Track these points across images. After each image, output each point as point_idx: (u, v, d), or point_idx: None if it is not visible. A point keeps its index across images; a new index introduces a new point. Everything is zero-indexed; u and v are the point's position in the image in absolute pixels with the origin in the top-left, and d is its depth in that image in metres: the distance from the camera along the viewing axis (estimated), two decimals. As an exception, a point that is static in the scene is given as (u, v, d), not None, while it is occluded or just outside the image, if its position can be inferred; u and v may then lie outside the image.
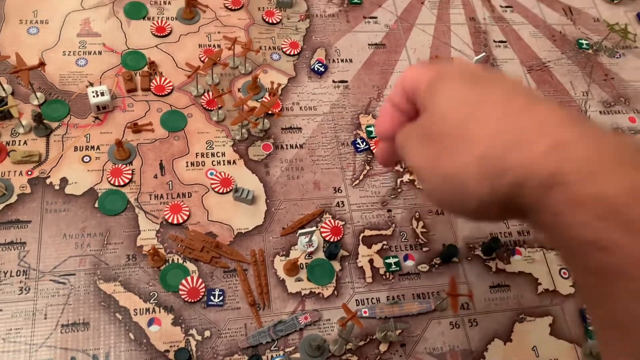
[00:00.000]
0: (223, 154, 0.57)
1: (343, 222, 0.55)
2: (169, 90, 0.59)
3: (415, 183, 0.58)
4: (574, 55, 0.72)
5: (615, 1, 0.78)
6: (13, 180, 0.51)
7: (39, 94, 0.55)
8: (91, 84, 0.57)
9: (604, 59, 0.72)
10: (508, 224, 0.58)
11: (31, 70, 0.52)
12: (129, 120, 0.56)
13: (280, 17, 0.66)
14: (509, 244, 0.57)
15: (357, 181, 0.58)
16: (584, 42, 0.73)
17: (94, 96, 0.55)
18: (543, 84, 0.68)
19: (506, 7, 0.74)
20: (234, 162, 0.56)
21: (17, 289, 0.47)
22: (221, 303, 0.49)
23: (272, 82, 0.60)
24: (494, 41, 0.71)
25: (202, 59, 0.61)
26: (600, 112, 0.68)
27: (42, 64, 0.52)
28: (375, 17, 0.69)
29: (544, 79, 0.69)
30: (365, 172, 0.58)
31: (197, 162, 0.56)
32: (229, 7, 0.65)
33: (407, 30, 0.69)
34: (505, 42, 0.71)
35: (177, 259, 0.51)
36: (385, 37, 0.68)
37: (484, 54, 0.65)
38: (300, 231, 0.51)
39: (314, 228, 0.53)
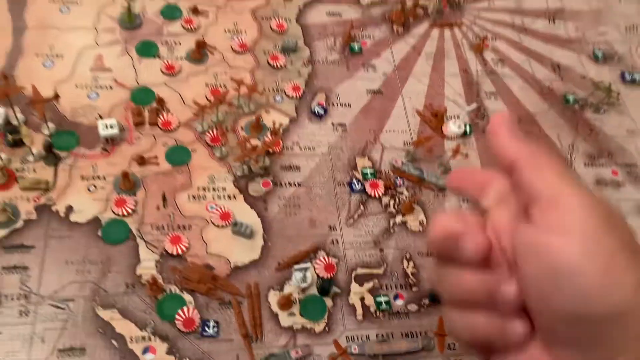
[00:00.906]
0: (224, 189, 0.59)
1: (336, 260, 0.57)
2: (176, 126, 0.61)
3: (407, 225, 0.61)
4: (561, 110, 0.76)
5: (600, 61, 0.82)
6: (20, 206, 0.53)
7: (50, 125, 0.58)
8: (101, 117, 0.60)
9: (589, 114, 0.76)
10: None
11: (46, 103, 0.55)
12: (136, 152, 0.59)
13: (284, 62, 0.70)
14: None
15: (352, 220, 0.60)
16: (570, 97, 0.77)
17: (103, 128, 0.57)
18: (531, 135, 0.72)
19: (498, 60, 0.78)
20: (234, 197, 0.59)
21: (17, 313, 0.48)
22: (215, 334, 0.50)
23: (274, 122, 0.63)
24: (485, 92, 0.74)
25: (208, 98, 0.64)
26: (585, 164, 0.72)
27: (57, 97, 0.55)
28: (374, 66, 0.73)
29: (532, 130, 0.73)
30: (359, 212, 0.61)
31: (198, 195, 0.58)
32: (236, 50, 0.69)
33: (404, 79, 0.73)
34: (496, 93, 0.75)
35: (174, 289, 0.52)
36: (382, 84, 0.71)
37: (475, 104, 0.69)
38: (295, 266, 0.53)
39: (309, 264, 0.55)
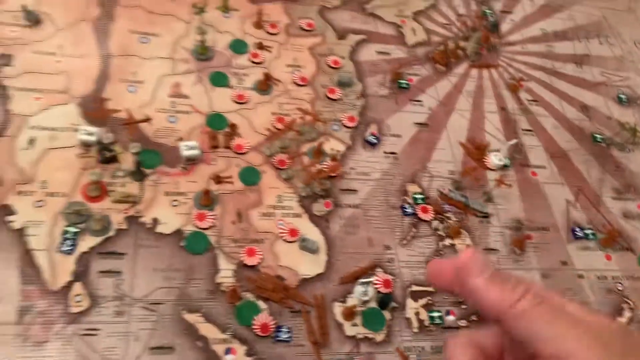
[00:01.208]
0: (290, 208, 0.65)
1: (393, 277, 0.62)
2: (247, 150, 0.67)
3: (455, 247, 0.66)
4: (590, 147, 0.82)
5: (624, 104, 0.89)
6: (112, 217, 0.59)
7: (136, 144, 0.64)
8: (181, 139, 0.66)
9: (615, 152, 0.83)
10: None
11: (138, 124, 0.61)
12: (212, 172, 0.64)
13: (340, 95, 0.76)
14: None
15: (405, 241, 0.65)
16: (598, 136, 0.83)
17: (186, 149, 0.63)
18: (563, 170, 0.78)
19: (532, 100, 0.85)
20: (300, 215, 0.64)
21: (113, 312, 0.53)
22: (289, 339, 0.55)
23: (332, 149, 0.70)
24: (522, 129, 0.81)
25: (276, 126, 0.70)
26: (613, 197, 0.78)
27: (149, 119, 0.61)
28: (420, 101, 0.79)
29: (564, 165, 0.79)
30: (412, 234, 0.66)
31: (268, 212, 0.64)
32: (298, 83, 0.75)
33: (447, 114, 0.79)
34: (531, 130, 0.81)
35: (250, 296, 0.57)
36: (428, 118, 0.78)
37: (515, 140, 0.75)
38: (360, 280, 0.58)
39: (372, 279, 0.60)
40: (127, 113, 0.61)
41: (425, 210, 0.68)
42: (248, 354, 0.54)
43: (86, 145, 0.62)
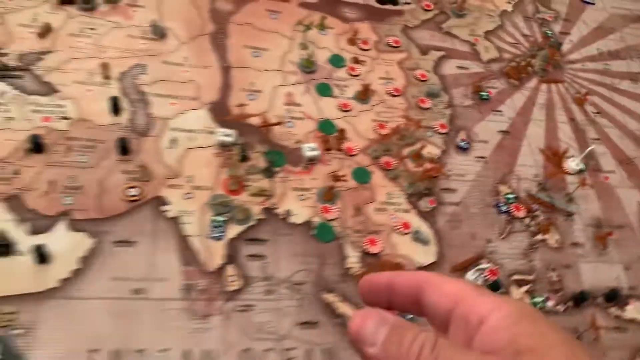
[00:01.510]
0: (400, 204, 0.72)
1: (497, 266, 0.69)
2: (356, 152, 0.75)
3: (547, 242, 0.73)
4: (652, 155, 0.90)
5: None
6: (252, 209, 0.66)
7: (262, 146, 0.71)
8: (301, 142, 0.73)
9: (675, 160, 0.90)
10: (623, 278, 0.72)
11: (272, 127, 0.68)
12: (329, 171, 0.72)
13: (430, 105, 0.84)
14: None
15: (503, 236, 0.72)
16: (658, 145, 0.91)
17: (308, 150, 0.70)
18: (632, 175, 0.86)
19: (596, 113, 0.93)
20: (408, 210, 0.71)
21: (263, 291, 0.60)
22: (416, 319, 0.62)
23: (429, 153, 0.77)
24: (591, 138, 0.88)
25: (376, 130, 0.78)
26: (678, 201, 0.85)
27: (279, 123, 0.68)
28: (501, 111, 0.87)
29: (632, 171, 0.86)
30: (508, 229, 0.73)
31: (381, 208, 0.70)
32: (392, 93, 0.83)
33: (525, 124, 0.87)
34: (599, 139, 0.89)
35: (376, 281, 0.64)
36: (509, 126, 0.85)
37: (592, 147, 0.82)
38: (477, 267, 0.65)
39: (487, 266, 0.67)
40: (262, 117, 0.69)
41: (517, 209, 0.75)
42: (382, 330, 0.60)
43: (223, 145, 0.69)
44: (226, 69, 0.78)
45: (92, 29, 0.76)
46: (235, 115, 0.69)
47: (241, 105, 0.74)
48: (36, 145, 0.62)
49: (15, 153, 0.62)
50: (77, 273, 0.56)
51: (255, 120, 0.73)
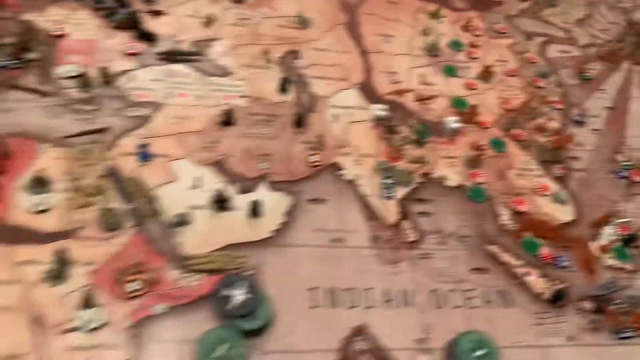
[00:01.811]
0: (533, 170, 0.80)
1: (628, 221, 0.77)
2: (490, 125, 0.83)
3: (666, 202, 0.81)
4: None
5: None
6: (413, 174, 0.74)
7: (414, 119, 0.79)
8: (441, 116, 0.81)
9: None
10: None
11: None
12: (470, 141, 0.80)
13: (543, 84, 0.92)
14: None
15: (627, 197, 0.80)
16: None
17: (452, 123, 0.79)
18: None
19: (687, 91, 1.01)
20: (542, 176, 0.79)
21: (437, 242, 0.68)
22: (568, 266, 0.70)
23: (552, 126, 0.85)
24: (687, 113, 0.96)
25: (503, 106, 0.86)
26: None
27: (432, 97, 0.77)
28: (605, 89, 0.95)
29: None
30: (630, 191, 0.81)
31: (520, 174, 0.78)
32: (509, 74, 0.91)
33: (626, 100, 0.95)
34: (694, 114, 0.97)
35: (528, 235, 0.72)
36: (614, 102, 0.93)
37: (695, 119, 0.90)
38: (615, 221, 0.73)
39: (618, 220, 0.75)
40: (417, 94, 0.77)
41: (636, 174, 0.83)
42: (541, 275, 0.68)
43: (379, 119, 0.77)
44: (364, 53, 0.87)
45: (245, 19, 0.85)
46: (392, 91, 0.78)
47: (395, 82, 0.82)
48: (228, 119, 0.71)
49: (209, 126, 0.71)
50: (284, 225, 0.65)
51: (406, 98, 0.82)
